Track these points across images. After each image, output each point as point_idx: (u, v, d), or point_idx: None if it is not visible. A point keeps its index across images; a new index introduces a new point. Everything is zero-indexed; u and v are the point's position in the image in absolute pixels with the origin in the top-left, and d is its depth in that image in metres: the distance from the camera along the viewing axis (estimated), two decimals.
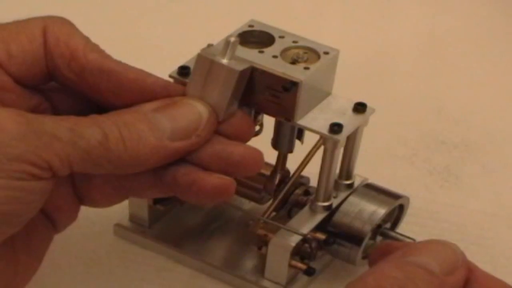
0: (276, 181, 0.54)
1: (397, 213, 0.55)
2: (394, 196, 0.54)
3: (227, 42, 0.44)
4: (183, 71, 0.50)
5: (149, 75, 0.44)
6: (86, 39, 0.44)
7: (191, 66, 0.50)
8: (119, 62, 0.43)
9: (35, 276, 0.45)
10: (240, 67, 0.44)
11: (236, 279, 0.53)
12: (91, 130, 0.39)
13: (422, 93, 0.72)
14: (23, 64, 0.42)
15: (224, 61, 0.44)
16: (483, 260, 0.56)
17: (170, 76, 0.50)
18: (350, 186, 0.54)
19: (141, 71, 0.44)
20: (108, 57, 0.44)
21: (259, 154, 0.44)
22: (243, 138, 0.45)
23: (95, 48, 0.44)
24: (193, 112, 0.43)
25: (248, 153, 0.43)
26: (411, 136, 0.67)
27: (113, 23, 0.77)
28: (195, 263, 0.54)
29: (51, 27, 0.43)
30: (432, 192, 0.62)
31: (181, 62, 0.51)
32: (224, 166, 0.43)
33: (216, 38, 0.49)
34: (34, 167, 0.38)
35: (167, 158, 0.42)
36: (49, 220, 0.44)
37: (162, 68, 0.52)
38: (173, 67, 0.51)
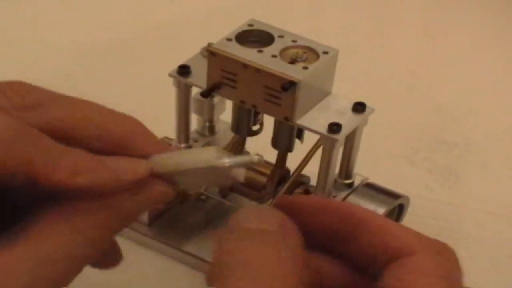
0: (276, 180, 0.54)
1: (397, 213, 0.55)
2: (394, 195, 0.54)
3: (250, 160, 0.37)
4: (183, 70, 0.50)
5: None
6: None
7: (191, 65, 0.51)
8: None
9: None
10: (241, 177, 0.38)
11: None
12: None
13: (422, 93, 0.72)
14: None
15: (226, 164, 0.37)
16: (483, 259, 0.56)
17: (170, 75, 0.51)
18: (350, 185, 0.54)
19: None
20: None
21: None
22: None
23: None
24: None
25: None
26: (411, 136, 0.67)
27: (113, 23, 0.77)
28: (195, 261, 0.54)
29: None
30: (433, 192, 0.62)
31: (181, 61, 0.51)
32: None
33: (216, 38, 0.49)
34: None
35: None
36: None
37: (162, 67, 0.52)
38: (173, 66, 0.51)
